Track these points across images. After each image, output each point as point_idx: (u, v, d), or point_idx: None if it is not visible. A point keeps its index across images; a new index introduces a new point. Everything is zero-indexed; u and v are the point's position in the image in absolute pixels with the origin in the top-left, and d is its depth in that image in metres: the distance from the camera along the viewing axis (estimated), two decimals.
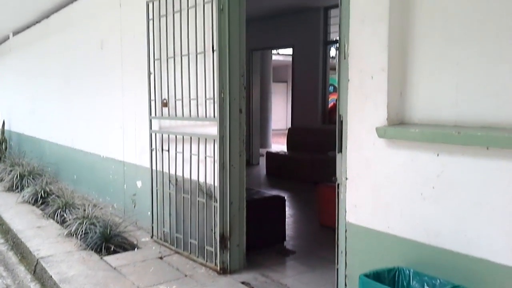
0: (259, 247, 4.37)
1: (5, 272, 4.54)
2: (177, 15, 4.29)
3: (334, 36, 8.96)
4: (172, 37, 4.37)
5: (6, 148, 10.29)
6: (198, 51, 4.10)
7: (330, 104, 9.66)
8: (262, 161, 10.17)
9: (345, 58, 2.82)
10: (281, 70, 18.99)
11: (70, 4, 7.32)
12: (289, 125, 10.49)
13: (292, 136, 9.71)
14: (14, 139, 11.03)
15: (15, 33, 10.55)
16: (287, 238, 4.84)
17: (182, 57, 4.29)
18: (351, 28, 2.76)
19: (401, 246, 2.52)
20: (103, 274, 3.96)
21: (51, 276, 3.96)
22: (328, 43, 9.13)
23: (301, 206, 6.68)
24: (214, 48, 3.88)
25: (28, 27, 9.62)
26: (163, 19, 4.51)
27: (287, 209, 5.16)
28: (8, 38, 11.14)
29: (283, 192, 6.65)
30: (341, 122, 2.87)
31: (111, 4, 5.81)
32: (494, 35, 2.20)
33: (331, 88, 10.08)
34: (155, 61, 4.68)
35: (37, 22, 9.03)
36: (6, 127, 10.93)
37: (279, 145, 13.28)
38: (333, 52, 9.97)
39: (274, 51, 14.50)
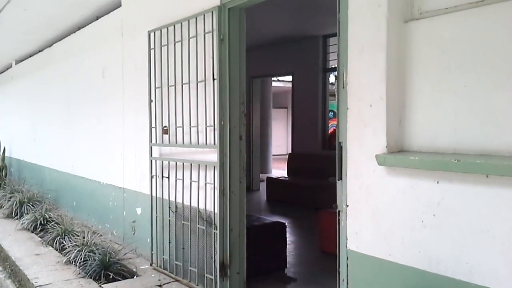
0: (260, 275, 4.33)
1: None
2: (178, 45, 4.37)
3: (333, 63, 9.07)
4: (173, 66, 4.44)
5: (6, 174, 10.29)
6: (198, 79, 4.15)
7: (330, 130, 9.71)
8: (263, 186, 10.15)
9: (344, 87, 2.86)
10: (281, 96, 19.13)
11: (73, 34, 7.44)
12: (289, 151, 10.52)
13: (293, 161, 9.73)
14: (14, 165, 11.04)
15: (18, 61, 10.69)
16: (288, 265, 4.81)
17: (183, 85, 4.34)
18: (350, 57, 2.81)
19: (402, 274, 2.50)
20: None
21: None
22: (328, 70, 9.24)
23: (302, 232, 6.64)
24: (215, 77, 3.93)
25: (30, 55, 9.76)
26: (164, 48, 4.58)
27: (288, 235, 5.14)
28: (11, 66, 11.28)
29: (283, 218, 6.62)
30: (341, 149, 2.89)
31: (113, 33, 5.91)
32: (491, 63, 2.24)
33: (330, 114, 10.14)
34: (156, 89, 4.74)
35: (39, 51, 9.16)
36: (6, 154, 10.95)
37: (279, 170, 13.28)
38: (332, 78, 10.08)
39: (274, 78, 14.64)
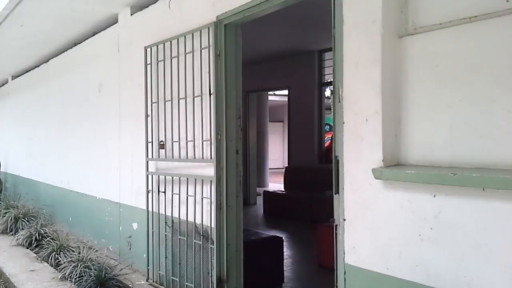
0: None
1: None
2: (174, 60, 4.39)
3: (329, 77, 9.14)
4: (169, 81, 4.46)
5: (1, 190, 10.21)
6: (195, 94, 4.17)
7: (327, 143, 9.74)
8: (260, 200, 10.14)
9: (339, 101, 2.87)
10: (277, 110, 19.19)
11: (69, 49, 7.47)
12: (286, 164, 10.53)
13: (290, 175, 9.73)
14: (9, 180, 10.98)
15: (14, 77, 10.70)
16: (285, 280, 4.78)
17: (179, 100, 4.36)
18: (345, 72, 2.83)
19: None
20: None
21: None
22: (323, 84, 9.30)
23: (300, 246, 6.61)
24: (211, 92, 3.95)
25: (27, 71, 9.77)
26: (160, 64, 4.61)
27: (285, 249, 5.13)
28: (7, 81, 11.29)
29: (280, 232, 6.60)
30: (337, 163, 2.89)
31: (110, 49, 5.93)
32: (485, 77, 2.26)
33: (327, 128, 10.18)
34: (153, 104, 4.75)
35: (36, 66, 9.18)
36: (1, 169, 10.89)
37: (276, 184, 13.26)
38: (328, 92, 10.13)
39: (270, 92, 14.71)
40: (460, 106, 2.34)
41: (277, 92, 16.79)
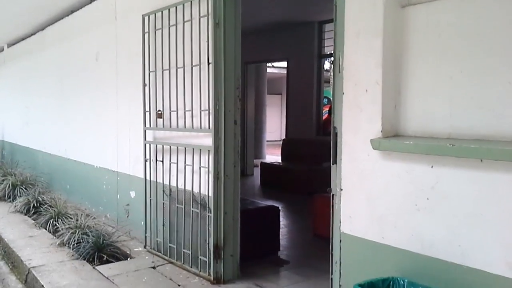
0: (253, 257, 4.36)
1: None
2: (172, 29, 4.33)
3: (328, 49, 9.06)
4: (167, 50, 4.41)
5: None
6: (193, 64, 4.13)
7: (324, 116, 9.73)
8: (257, 172, 10.19)
9: (339, 72, 2.86)
10: (275, 83, 19.08)
11: (66, 17, 7.35)
12: (283, 137, 10.53)
13: (287, 147, 9.75)
14: (7, 149, 10.98)
15: (10, 44, 10.55)
16: (281, 248, 4.85)
17: (178, 69, 4.32)
18: (346, 42, 2.81)
19: (395, 256, 2.54)
20: (96, 283, 3.94)
21: (42, 286, 3.94)
22: (323, 56, 9.22)
23: (295, 216, 6.69)
24: (210, 61, 3.91)
25: (23, 39, 9.63)
26: (158, 32, 4.55)
27: (281, 219, 5.17)
28: (3, 49, 11.15)
29: (277, 203, 6.62)
30: (336, 134, 2.90)
31: (107, 17, 5.85)
32: (487, 49, 2.25)
33: (325, 101, 10.15)
34: (150, 73, 4.71)
35: (32, 34, 9.05)
36: None
37: (273, 156, 13.31)
38: (327, 65, 10.06)
39: (268, 64, 14.60)
40: (460, 77, 2.34)
41: (275, 64, 16.70)
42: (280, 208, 5.07)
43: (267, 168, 9.44)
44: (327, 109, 10.79)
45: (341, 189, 2.87)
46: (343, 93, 2.83)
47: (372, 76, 2.64)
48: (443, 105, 2.40)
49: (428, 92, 2.49)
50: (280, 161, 9.97)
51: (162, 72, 4.52)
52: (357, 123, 2.74)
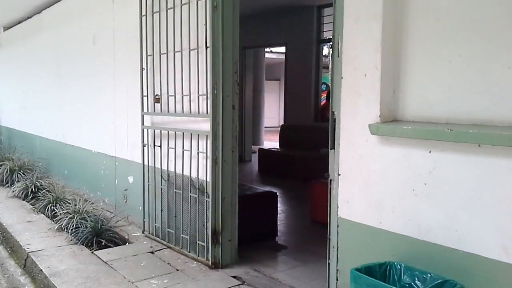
0: (251, 242, 4.38)
1: None
2: (170, 12, 4.29)
3: (327, 34, 9.00)
4: (165, 33, 4.37)
5: None
6: (191, 47, 4.10)
7: (322, 102, 9.70)
8: (254, 158, 10.19)
9: (338, 56, 2.84)
10: (273, 68, 18.99)
11: (62, 0, 7.27)
12: (281, 123, 10.52)
13: (285, 133, 9.74)
14: (4, 133, 10.95)
15: (6, 28, 10.45)
16: (278, 234, 4.87)
17: (175, 53, 4.28)
18: (345, 26, 2.78)
19: (392, 241, 2.54)
20: (94, 268, 3.96)
21: (41, 270, 3.95)
22: (321, 41, 9.17)
23: (293, 202, 6.71)
24: (208, 45, 3.88)
25: (19, 22, 9.53)
26: (156, 15, 4.50)
27: (279, 205, 5.19)
28: None
29: (275, 189, 6.64)
30: (334, 119, 2.89)
31: (104, 0, 5.78)
32: (487, 33, 2.23)
33: (323, 86, 10.11)
34: (148, 57, 4.68)
35: (28, 18, 8.95)
36: None
37: (271, 142, 13.30)
38: (326, 51, 10.01)
39: (267, 49, 14.51)
40: (459, 62, 2.32)
41: (273, 50, 16.59)
42: (277, 193, 5.07)
43: (265, 154, 9.44)
44: (325, 95, 10.75)
45: (338, 174, 2.87)
46: (342, 78, 2.81)
47: (371, 61, 2.62)
48: (442, 90, 2.39)
49: (427, 77, 2.47)
50: (278, 147, 9.97)
51: (160, 56, 4.48)
52: (355, 107, 2.73)
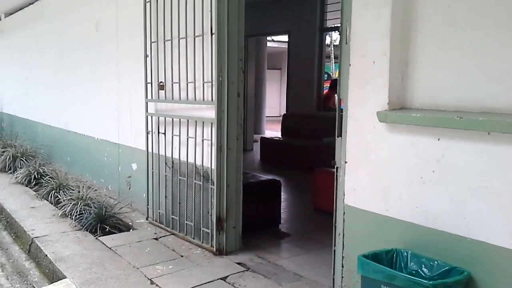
0: (255, 230, 4.40)
1: None
2: None
3: (330, 23, 8.94)
4: (169, 20, 4.34)
5: None
6: (196, 34, 4.07)
7: (325, 91, 9.67)
8: (256, 147, 10.18)
9: (346, 43, 2.82)
10: (275, 57, 18.92)
11: None
12: (282, 113, 10.49)
13: (287, 122, 9.73)
14: (6, 120, 10.94)
15: (7, 14, 10.38)
16: (282, 221, 4.89)
17: (180, 40, 4.26)
18: (354, 12, 2.76)
19: (399, 228, 2.55)
20: (99, 253, 3.97)
21: (46, 255, 3.97)
22: (324, 30, 9.10)
23: (295, 191, 6.72)
24: (213, 32, 3.85)
25: (21, 8, 9.46)
26: (160, 1, 4.47)
27: (282, 193, 5.19)
28: (0, 19, 10.97)
29: (277, 177, 6.64)
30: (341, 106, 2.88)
31: None
32: (497, 20, 2.21)
33: (325, 76, 10.07)
34: (152, 44, 4.65)
35: (30, 4, 8.88)
36: None
37: (272, 132, 13.29)
38: (328, 39, 9.95)
39: (268, 38, 14.43)
40: (470, 49, 2.31)
41: (275, 38, 16.51)
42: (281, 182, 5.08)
43: (267, 143, 9.43)
44: (327, 84, 10.71)
45: (345, 162, 2.86)
46: (350, 65, 2.79)
47: (379, 47, 2.61)
48: (451, 77, 2.37)
49: (436, 64, 2.45)
50: (280, 136, 9.96)
51: (164, 42, 4.46)
52: (363, 95, 2.72)
